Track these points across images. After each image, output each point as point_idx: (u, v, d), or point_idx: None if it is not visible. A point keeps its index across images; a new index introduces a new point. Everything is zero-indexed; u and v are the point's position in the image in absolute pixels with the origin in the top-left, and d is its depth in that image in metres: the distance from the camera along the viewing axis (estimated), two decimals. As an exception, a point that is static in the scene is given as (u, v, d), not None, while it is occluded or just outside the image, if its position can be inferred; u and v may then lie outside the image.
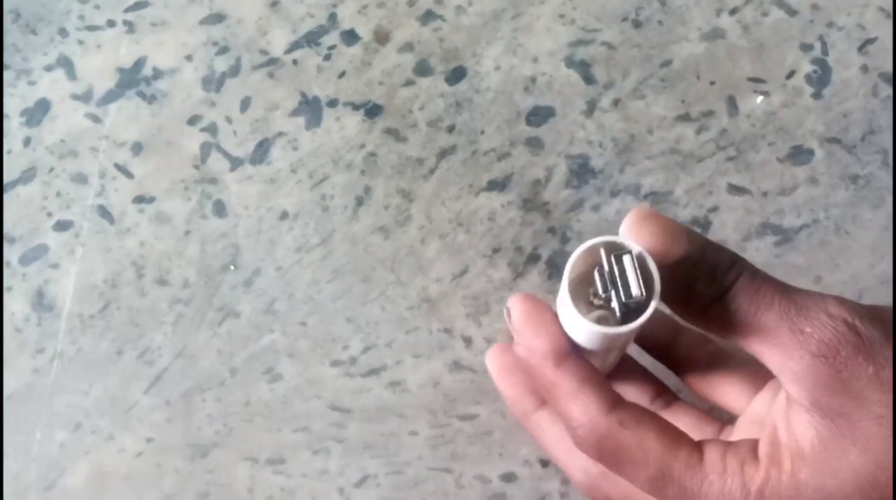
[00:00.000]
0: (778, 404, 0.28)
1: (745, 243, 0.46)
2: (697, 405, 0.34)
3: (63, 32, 0.49)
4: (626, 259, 0.26)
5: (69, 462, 0.45)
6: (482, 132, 0.48)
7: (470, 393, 0.45)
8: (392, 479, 0.44)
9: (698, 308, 0.28)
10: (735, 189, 0.47)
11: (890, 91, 0.48)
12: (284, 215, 0.47)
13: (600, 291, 0.27)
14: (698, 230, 0.46)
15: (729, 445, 0.28)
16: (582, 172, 0.47)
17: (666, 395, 0.34)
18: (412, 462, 0.44)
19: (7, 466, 0.45)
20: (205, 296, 0.46)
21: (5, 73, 0.48)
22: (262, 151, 0.48)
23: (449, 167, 0.48)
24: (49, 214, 0.47)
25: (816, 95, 0.48)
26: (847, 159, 0.47)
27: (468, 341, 0.46)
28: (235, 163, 0.47)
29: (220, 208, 0.47)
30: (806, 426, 0.26)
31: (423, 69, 0.49)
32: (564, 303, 0.27)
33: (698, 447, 0.28)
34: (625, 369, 0.34)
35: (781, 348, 0.26)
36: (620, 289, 0.26)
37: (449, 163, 0.48)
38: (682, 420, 0.32)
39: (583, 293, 0.28)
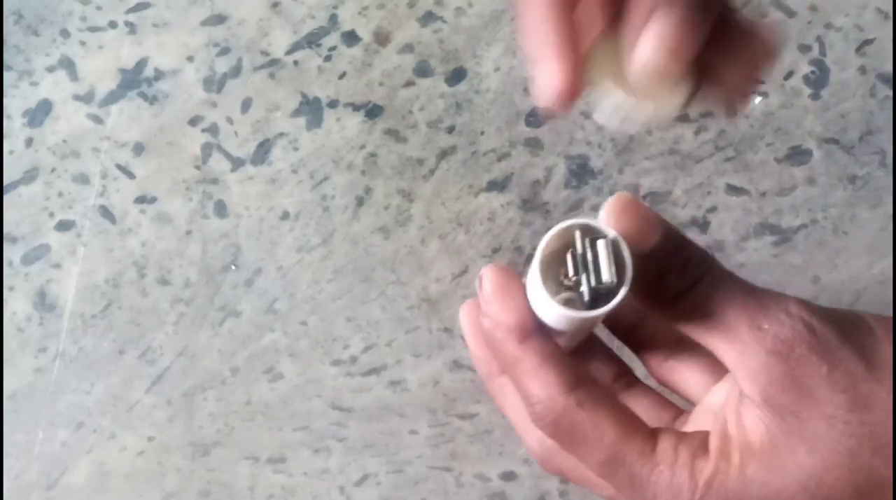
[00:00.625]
0: (731, 399, 0.28)
1: (743, 243, 0.46)
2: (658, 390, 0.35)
3: (65, 33, 0.49)
4: (601, 244, 0.26)
5: (71, 461, 0.45)
6: (482, 133, 0.48)
7: (470, 392, 0.45)
8: (392, 478, 0.45)
9: (665, 299, 0.28)
10: (733, 189, 0.47)
11: (888, 92, 0.48)
12: (285, 215, 0.47)
13: (571, 273, 0.27)
14: (696, 231, 0.47)
15: (682, 436, 0.28)
16: (581, 172, 0.48)
17: (627, 376, 0.34)
18: (412, 461, 0.45)
19: (9, 465, 0.45)
20: (206, 296, 0.46)
21: (8, 74, 0.49)
22: (263, 152, 0.48)
23: (449, 168, 0.48)
24: (51, 215, 0.47)
25: (814, 96, 0.48)
26: (845, 160, 0.47)
27: (468, 340, 0.46)
28: (236, 163, 0.48)
29: (221, 209, 0.47)
30: (757, 421, 0.27)
31: (423, 70, 0.49)
32: (534, 281, 0.27)
33: (653, 435, 0.28)
34: (589, 347, 0.34)
35: (739, 344, 0.27)
36: (591, 273, 0.26)
37: (449, 163, 0.48)
38: (641, 403, 0.33)
39: (554, 272, 0.27)
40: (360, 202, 0.47)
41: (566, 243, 0.27)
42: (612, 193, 0.47)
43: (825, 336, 0.26)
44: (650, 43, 0.27)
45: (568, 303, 0.27)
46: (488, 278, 0.29)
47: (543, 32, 0.28)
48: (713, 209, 0.47)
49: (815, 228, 0.47)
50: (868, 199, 0.47)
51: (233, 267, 0.47)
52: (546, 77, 0.28)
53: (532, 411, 0.28)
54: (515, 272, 0.29)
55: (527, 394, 0.28)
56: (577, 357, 0.34)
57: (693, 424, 0.32)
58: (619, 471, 0.27)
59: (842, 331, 0.26)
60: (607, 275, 0.26)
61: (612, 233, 0.27)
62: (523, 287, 0.29)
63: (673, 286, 0.28)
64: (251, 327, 0.46)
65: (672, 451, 0.27)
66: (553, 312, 0.27)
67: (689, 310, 0.28)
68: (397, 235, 0.47)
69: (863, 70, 0.48)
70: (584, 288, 0.26)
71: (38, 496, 0.45)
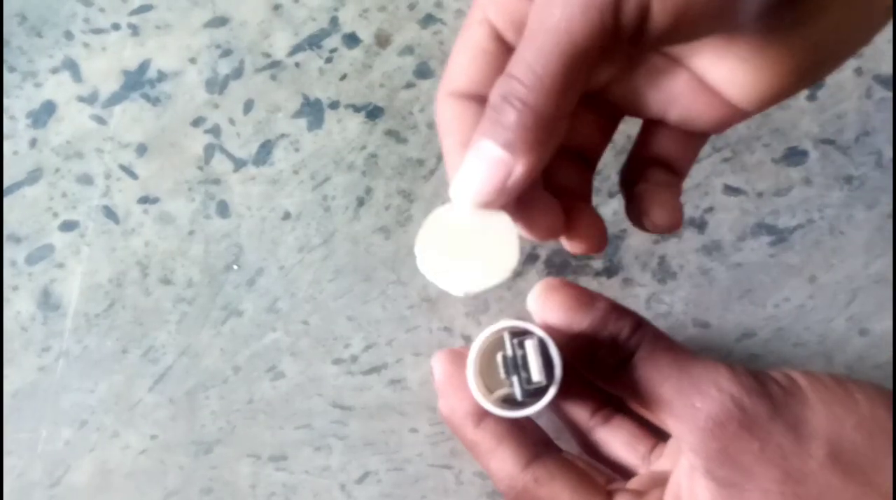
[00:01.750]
0: (684, 466, 0.29)
1: (740, 243, 0.47)
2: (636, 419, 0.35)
3: (68, 35, 0.49)
4: (529, 344, 0.27)
5: (74, 459, 0.45)
6: (482, 134, 0.48)
7: (470, 391, 0.45)
8: (393, 476, 0.45)
9: (604, 375, 0.29)
10: (730, 190, 0.48)
11: (884, 93, 0.48)
12: (287, 216, 0.48)
13: (502, 375, 0.28)
14: (694, 231, 0.47)
15: (638, 498, 0.29)
16: (580, 173, 0.48)
17: (606, 409, 0.35)
18: (413, 459, 0.45)
19: (13, 463, 0.45)
20: (208, 295, 0.47)
21: (11, 76, 0.49)
22: (264, 153, 0.48)
23: (449, 168, 0.48)
24: (55, 215, 0.47)
25: (811, 97, 0.49)
26: (841, 160, 0.48)
27: (468, 339, 0.46)
28: (238, 164, 0.48)
29: (223, 209, 0.48)
30: (704, 491, 0.27)
31: (423, 72, 0.49)
32: (470, 383, 0.28)
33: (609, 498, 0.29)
34: (567, 386, 0.35)
35: (678, 420, 0.28)
36: (521, 374, 0.27)
37: (449, 164, 0.48)
38: (618, 437, 0.34)
39: (493, 369, 0.28)
40: (360, 203, 0.48)
41: (499, 342, 0.28)
42: (610, 193, 0.47)
43: (755, 412, 0.27)
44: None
45: (505, 400, 0.28)
46: (438, 368, 0.30)
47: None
48: (710, 209, 0.47)
49: (812, 229, 0.47)
50: (864, 199, 0.47)
51: (235, 267, 0.47)
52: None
53: (497, 488, 0.30)
54: (461, 357, 0.30)
55: (489, 473, 0.30)
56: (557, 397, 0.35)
57: (668, 456, 0.33)
58: None
59: (772, 404, 0.27)
60: (537, 375, 0.27)
61: (538, 333, 0.28)
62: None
63: (607, 362, 0.29)
64: (253, 327, 0.46)
65: None
66: (489, 410, 0.28)
67: (627, 385, 0.29)
68: (398, 236, 0.47)
69: (859, 72, 0.49)
70: (516, 388, 0.27)
71: (41, 495, 0.45)
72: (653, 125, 0.32)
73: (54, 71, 0.49)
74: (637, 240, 0.47)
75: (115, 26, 0.50)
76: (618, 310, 0.29)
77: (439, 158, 0.48)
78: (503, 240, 0.27)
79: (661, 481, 0.30)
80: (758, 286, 0.46)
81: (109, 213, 0.48)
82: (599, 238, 0.31)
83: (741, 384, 0.27)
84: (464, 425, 0.30)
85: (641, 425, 0.34)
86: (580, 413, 0.35)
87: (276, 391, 0.46)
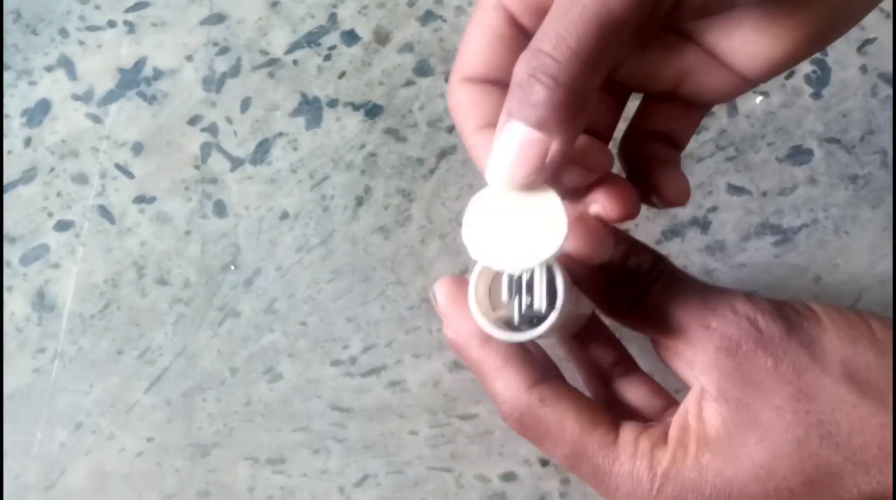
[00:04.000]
0: (694, 392, 0.29)
1: (744, 243, 0.46)
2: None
3: (64, 33, 0.49)
4: (537, 269, 0.26)
5: (70, 462, 0.45)
6: (482, 132, 0.48)
7: (470, 393, 0.45)
8: (392, 478, 0.44)
9: (621, 308, 0.29)
10: (734, 189, 0.47)
11: (889, 91, 0.48)
12: (285, 215, 0.47)
13: (504, 295, 0.27)
14: (697, 230, 0.46)
15: (644, 427, 0.29)
16: (582, 172, 0.47)
17: (626, 363, 0.35)
18: (412, 462, 0.44)
19: (8, 465, 0.45)
20: (205, 296, 0.46)
21: (6, 74, 0.48)
22: (262, 152, 0.48)
23: (449, 167, 0.48)
24: (50, 215, 0.47)
25: (816, 96, 0.48)
26: (846, 159, 0.47)
27: (468, 340, 0.46)
28: (236, 163, 0.48)
29: (220, 208, 0.47)
30: (714, 414, 0.28)
31: (423, 69, 0.49)
32: (470, 300, 0.28)
33: (615, 427, 0.29)
34: (593, 331, 0.35)
35: (692, 343, 0.28)
36: (524, 297, 0.27)
37: (449, 163, 0.48)
38: (635, 391, 0.34)
39: (499, 287, 0.28)
40: (359, 202, 0.47)
41: None
42: (612, 192, 0.47)
43: (770, 332, 0.27)
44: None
45: (506, 323, 0.28)
46: (441, 291, 0.30)
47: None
48: (714, 209, 0.47)
49: (817, 228, 0.47)
50: (869, 198, 0.47)
51: (232, 267, 0.47)
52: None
53: (500, 411, 0.29)
54: (463, 280, 0.29)
55: (493, 394, 0.29)
56: (579, 341, 0.35)
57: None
58: (582, 463, 0.28)
59: (787, 325, 0.27)
60: (538, 303, 0.27)
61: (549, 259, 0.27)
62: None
63: (627, 296, 0.29)
64: (250, 328, 0.46)
65: (632, 443, 0.28)
66: (486, 330, 0.28)
67: (644, 316, 0.29)
68: (397, 235, 0.47)
69: (864, 69, 0.48)
70: (515, 311, 0.27)
71: (37, 497, 0.45)
72: (655, 99, 0.32)
73: (49, 69, 0.48)
74: (640, 240, 0.46)
75: (111, 24, 0.49)
76: (639, 244, 0.29)
77: (439, 156, 0.48)
78: (550, 214, 0.26)
79: (664, 415, 0.31)
80: (762, 287, 0.46)
81: (105, 212, 0.47)
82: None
83: (757, 307, 0.27)
84: (468, 345, 0.29)
85: (660, 386, 0.34)
86: (604, 358, 0.35)
87: (273, 393, 0.45)
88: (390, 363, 0.45)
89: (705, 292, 0.28)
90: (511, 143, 0.26)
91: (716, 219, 0.47)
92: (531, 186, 0.26)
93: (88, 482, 0.45)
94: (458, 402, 0.45)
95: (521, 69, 0.25)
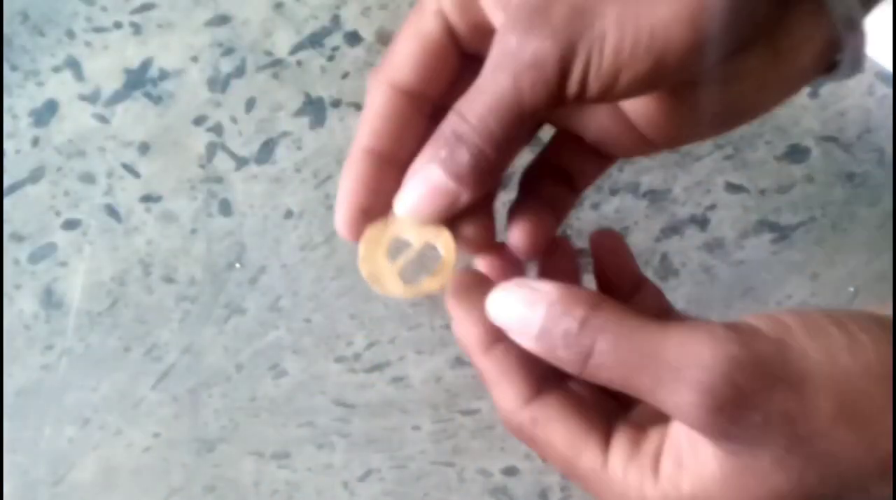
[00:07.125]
0: (683, 427, 0.28)
1: (742, 241, 0.47)
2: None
3: (70, 34, 0.49)
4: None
5: (77, 457, 0.45)
6: (483, 132, 0.48)
7: (472, 388, 0.45)
8: (395, 473, 0.45)
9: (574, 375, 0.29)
10: (733, 187, 0.48)
11: (886, 90, 0.48)
12: (289, 214, 0.48)
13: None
14: (696, 228, 0.47)
15: (635, 450, 0.28)
16: (582, 170, 0.48)
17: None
18: (415, 457, 0.45)
19: (16, 461, 0.45)
20: (211, 293, 0.47)
21: (14, 75, 0.49)
22: (266, 151, 0.48)
23: (451, 166, 0.48)
24: (57, 213, 0.48)
25: (813, 94, 0.49)
26: (843, 158, 0.48)
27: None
28: (241, 162, 0.48)
29: (225, 207, 0.48)
30: (711, 459, 0.26)
31: (425, 70, 0.49)
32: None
33: (605, 447, 0.28)
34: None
35: (667, 406, 0.27)
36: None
37: (451, 162, 0.48)
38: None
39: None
40: (363, 201, 0.48)
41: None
42: (612, 190, 0.47)
43: (751, 388, 0.25)
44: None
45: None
46: (450, 291, 0.31)
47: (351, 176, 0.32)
48: (713, 207, 0.47)
49: (814, 226, 0.47)
50: (866, 196, 0.47)
51: (237, 265, 0.47)
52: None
53: (500, 416, 0.30)
54: (475, 281, 0.30)
55: (493, 399, 0.30)
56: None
57: None
58: (574, 480, 0.29)
59: (768, 371, 0.25)
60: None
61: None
62: (482, 297, 0.30)
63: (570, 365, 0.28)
64: (255, 325, 0.46)
65: (622, 469, 0.28)
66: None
67: (599, 383, 0.28)
68: (400, 233, 0.47)
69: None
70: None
71: (45, 493, 0.45)
72: (567, 135, 0.33)
73: (56, 70, 0.49)
74: (639, 238, 0.47)
75: (117, 25, 0.50)
76: (563, 300, 0.27)
77: (441, 155, 0.48)
78: (442, 249, 0.30)
79: (663, 416, 0.29)
80: (760, 284, 0.46)
81: (112, 211, 0.48)
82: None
83: (728, 360, 0.25)
84: (472, 352, 0.30)
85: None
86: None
87: (278, 389, 0.46)
88: (393, 360, 0.46)
89: (661, 349, 0.26)
90: (427, 184, 0.28)
91: (714, 217, 0.47)
92: (431, 222, 0.30)
93: (96, 477, 0.45)
94: (461, 397, 0.45)
95: (448, 126, 0.28)
